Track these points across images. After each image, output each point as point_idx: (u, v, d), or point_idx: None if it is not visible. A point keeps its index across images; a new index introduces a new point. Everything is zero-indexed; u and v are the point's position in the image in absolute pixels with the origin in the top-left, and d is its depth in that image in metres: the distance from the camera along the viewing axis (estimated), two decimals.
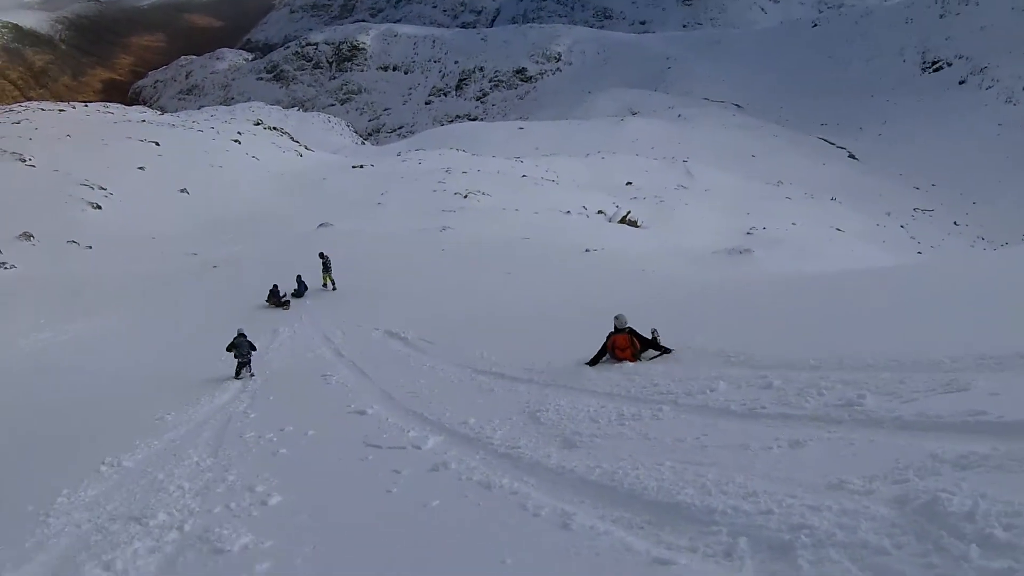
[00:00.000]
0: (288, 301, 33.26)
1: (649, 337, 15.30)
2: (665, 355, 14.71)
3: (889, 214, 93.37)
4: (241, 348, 21.20)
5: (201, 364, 22.42)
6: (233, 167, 75.70)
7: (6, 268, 38.10)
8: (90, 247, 44.78)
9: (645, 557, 5.95)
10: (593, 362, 15.44)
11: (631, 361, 14.88)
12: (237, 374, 20.83)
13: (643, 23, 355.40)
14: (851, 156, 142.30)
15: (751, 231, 62.20)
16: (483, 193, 67.59)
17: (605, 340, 15.48)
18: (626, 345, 15.16)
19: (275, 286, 32.30)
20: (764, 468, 7.30)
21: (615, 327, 15.41)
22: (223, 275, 39.35)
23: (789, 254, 50.08)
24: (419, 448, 10.67)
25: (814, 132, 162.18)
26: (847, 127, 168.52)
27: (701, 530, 6.24)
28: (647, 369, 13.19)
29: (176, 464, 11.56)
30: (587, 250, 43.04)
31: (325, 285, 36.03)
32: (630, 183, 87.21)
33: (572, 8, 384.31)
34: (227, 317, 29.71)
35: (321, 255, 36.53)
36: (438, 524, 7.56)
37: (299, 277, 34.88)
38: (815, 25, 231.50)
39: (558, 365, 15.74)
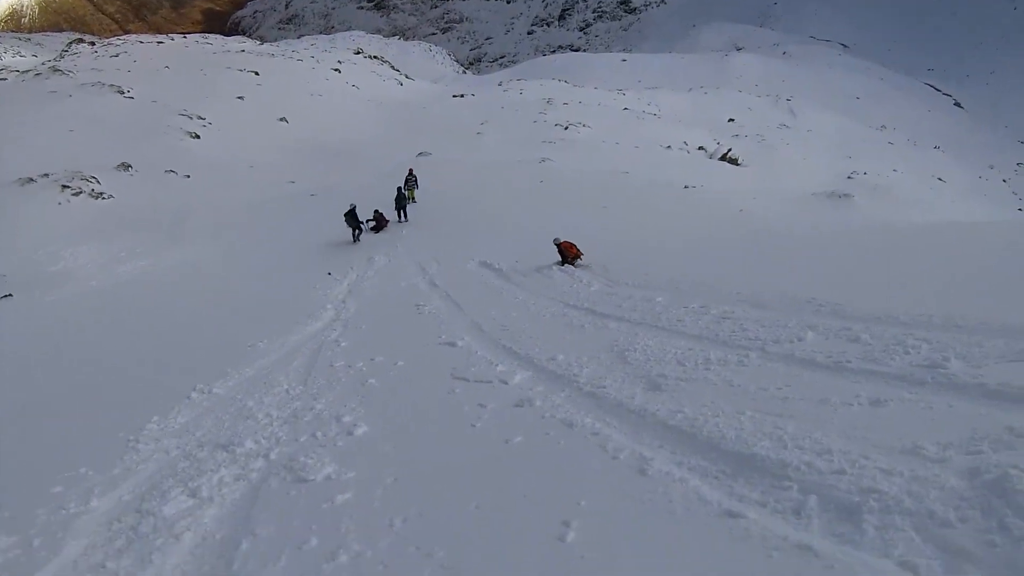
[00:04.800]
0: (373, 227, 34.47)
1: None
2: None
3: (992, 167, 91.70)
4: (350, 219, 31.69)
5: (297, 292, 22.94)
6: (333, 96, 76.71)
7: (104, 198, 38.85)
8: (188, 176, 45.58)
9: (716, 508, 5.95)
10: (562, 264, 22.12)
11: (580, 256, 22.24)
12: (354, 239, 31.94)
13: None
14: (957, 104, 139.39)
15: (852, 175, 61.36)
16: (584, 125, 67.51)
17: (559, 249, 22.34)
18: (570, 247, 22.20)
19: (353, 206, 32.69)
20: (842, 425, 7.16)
21: (556, 241, 22.52)
22: (321, 203, 39.81)
23: (889, 201, 49.44)
24: (506, 383, 10.68)
25: (920, 77, 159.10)
26: (954, 74, 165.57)
27: (773, 484, 6.21)
28: (743, 314, 13.03)
29: (266, 392, 11.84)
30: (686, 187, 42.80)
31: (411, 200, 38.75)
32: (732, 120, 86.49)
33: None
34: (326, 244, 30.33)
35: (411, 172, 40.06)
36: (518, 462, 7.62)
37: (399, 190, 37.10)
38: None
39: (641, 305, 15.68)
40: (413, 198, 39.09)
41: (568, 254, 21.99)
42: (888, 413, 7.38)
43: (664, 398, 8.93)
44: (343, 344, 15.22)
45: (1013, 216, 57.98)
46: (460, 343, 13.91)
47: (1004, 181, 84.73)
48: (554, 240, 22.37)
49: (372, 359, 13.34)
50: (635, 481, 6.72)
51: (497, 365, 11.85)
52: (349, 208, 32.11)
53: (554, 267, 21.92)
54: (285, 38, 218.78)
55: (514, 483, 7.07)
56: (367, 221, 33.72)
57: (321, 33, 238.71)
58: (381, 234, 33.45)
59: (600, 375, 10.44)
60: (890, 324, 10.60)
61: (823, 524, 5.49)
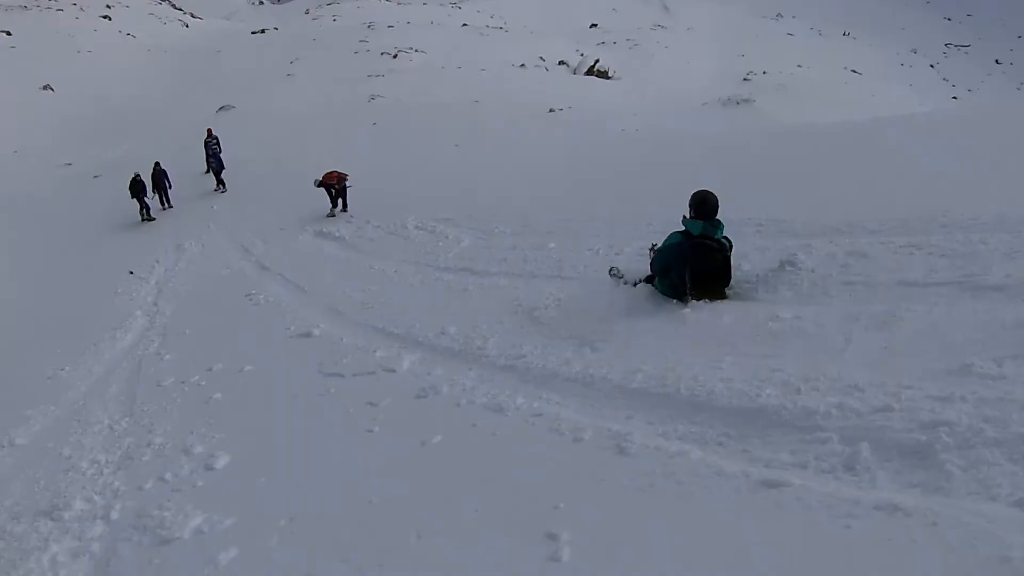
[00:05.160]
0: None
1: None
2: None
3: (916, 51, 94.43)
4: (135, 188, 31.80)
5: (94, 300, 22.10)
6: (105, 51, 75.47)
7: None
8: None
9: (745, 481, 5.28)
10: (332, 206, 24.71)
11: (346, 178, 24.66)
12: (142, 217, 31.89)
13: None
14: None
15: (749, 76, 62.79)
16: (416, 50, 68.02)
17: (325, 187, 24.93)
18: (330, 175, 24.42)
19: (137, 174, 32.53)
20: (856, 354, 6.82)
21: (317, 182, 24.50)
22: (108, 184, 38.35)
23: (798, 101, 50.63)
24: (393, 371, 10.27)
25: None
26: None
27: (803, 439, 5.66)
28: None
29: (84, 432, 10.98)
30: (551, 110, 42.92)
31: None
32: (595, 25, 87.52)
33: None
34: (120, 234, 29.42)
35: (209, 132, 38.35)
36: (448, 466, 6.96)
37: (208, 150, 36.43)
38: None
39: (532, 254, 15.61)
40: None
41: (331, 184, 23.14)
42: (904, 331, 7.11)
43: (608, 358, 8.52)
44: (167, 356, 14.70)
45: (948, 105, 59.61)
46: (316, 332, 13.67)
47: (931, 66, 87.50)
48: (314, 181, 22.03)
49: (210, 369, 12.81)
50: (619, 465, 6.08)
51: (375, 351, 11.51)
52: (133, 176, 32.32)
53: (409, 225, 21.52)
54: None
55: (456, 497, 6.31)
56: (153, 190, 33.22)
57: None
58: (187, 213, 32.38)
59: (513, 343, 10.12)
60: (859, 235, 10.55)
61: (891, 475, 4.97)
